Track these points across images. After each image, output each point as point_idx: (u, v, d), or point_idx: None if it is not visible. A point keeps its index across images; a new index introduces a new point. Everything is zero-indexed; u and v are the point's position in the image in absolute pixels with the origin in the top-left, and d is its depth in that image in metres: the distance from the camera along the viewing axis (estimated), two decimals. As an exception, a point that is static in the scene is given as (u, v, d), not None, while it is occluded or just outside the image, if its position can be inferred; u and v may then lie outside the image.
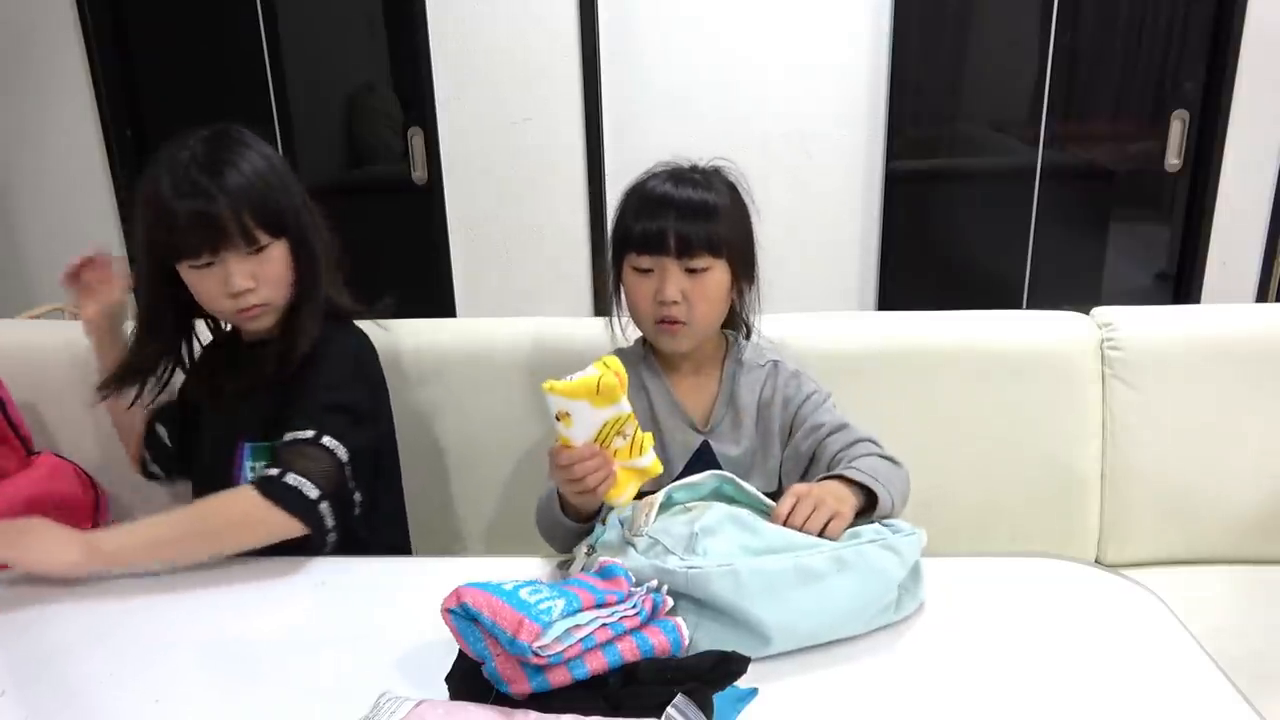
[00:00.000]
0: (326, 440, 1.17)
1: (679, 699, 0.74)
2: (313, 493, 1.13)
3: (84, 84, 2.88)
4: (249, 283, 1.18)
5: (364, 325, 1.36)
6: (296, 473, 1.13)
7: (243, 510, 1.11)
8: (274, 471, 1.13)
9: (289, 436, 1.17)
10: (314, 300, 1.25)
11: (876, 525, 1.00)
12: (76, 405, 1.25)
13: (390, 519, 1.40)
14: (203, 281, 1.20)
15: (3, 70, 2.89)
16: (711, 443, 1.28)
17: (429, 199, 2.91)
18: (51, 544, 1.07)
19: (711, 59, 2.72)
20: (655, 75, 2.73)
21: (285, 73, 2.94)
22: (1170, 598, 0.99)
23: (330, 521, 1.15)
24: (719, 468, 1.22)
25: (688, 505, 1.01)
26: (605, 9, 2.69)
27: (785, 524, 0.99)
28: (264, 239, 1.19)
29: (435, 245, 2.92)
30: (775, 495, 1.06)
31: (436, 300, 2.94)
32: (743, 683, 0.81)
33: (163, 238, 1.17)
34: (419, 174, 2.94)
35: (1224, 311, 1.70)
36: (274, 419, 1.21)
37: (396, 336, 1.57)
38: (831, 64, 2.71)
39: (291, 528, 1.11)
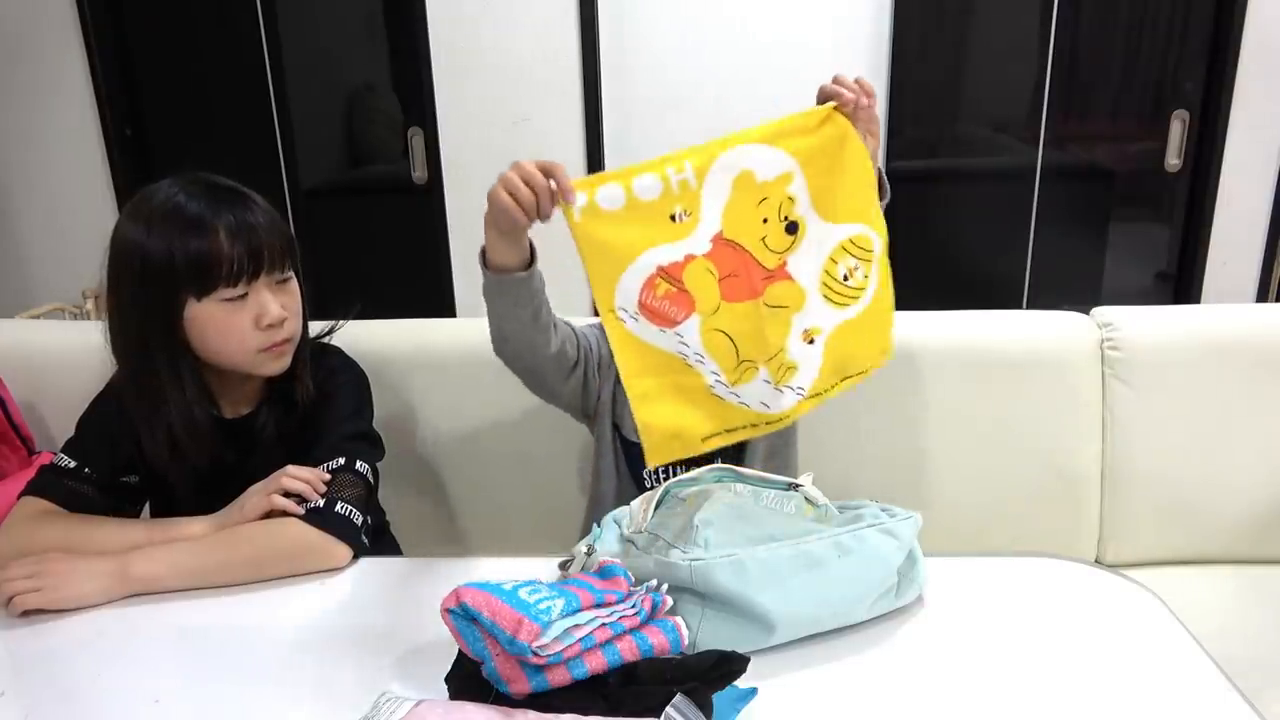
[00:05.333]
0: (359, 465, 1.17)
1: (678, 699, 0.74)
2: (358, 519, 1.12)
3: (84, 84, 2.88)
4: (283, 311, 1.14)
5: (354, 326, 1.37)
6: (344, 501, 1.12)
7: (293, 540, 1.08)
8: (320, 503, 1.11)
9: (323, 468, 1.15)
10: (306, 352, 1.23)
11: (875, 509, 1.00)
12: (77, 405, 1.24)
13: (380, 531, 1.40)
14: (229, 316, 1.12)
15: (3, 70, 2.89)
16: None
17: (429, 199, 2.91)
18: (77, 578, 1.03)
19: (711, 59, 2.72)
20: (655, 75, 2.73)
21: (285, 73, 2.94)
22: (1170, 598, 0.98)
23: (368, 544, 1.14)
24: None
25: (683, 497, 1.00)
26: (605, 9, 2.69)
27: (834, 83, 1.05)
28: (289, 266, 1.16)
29: (435, 245, 2.92)
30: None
31: (436, 300, 2.94)
32: (742, 682, 0.81)
33: (195, 270, 1.08)
34: (419, 174, 2.94)
35: (1224, 311, 1.70)
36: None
37: (396, 337, 1.57)
38: (831, 64, 2.69)
39: (344, 556, 1.10)
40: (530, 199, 1.02)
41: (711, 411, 1.09)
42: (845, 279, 1.09)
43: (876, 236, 1.09)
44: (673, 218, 1.01)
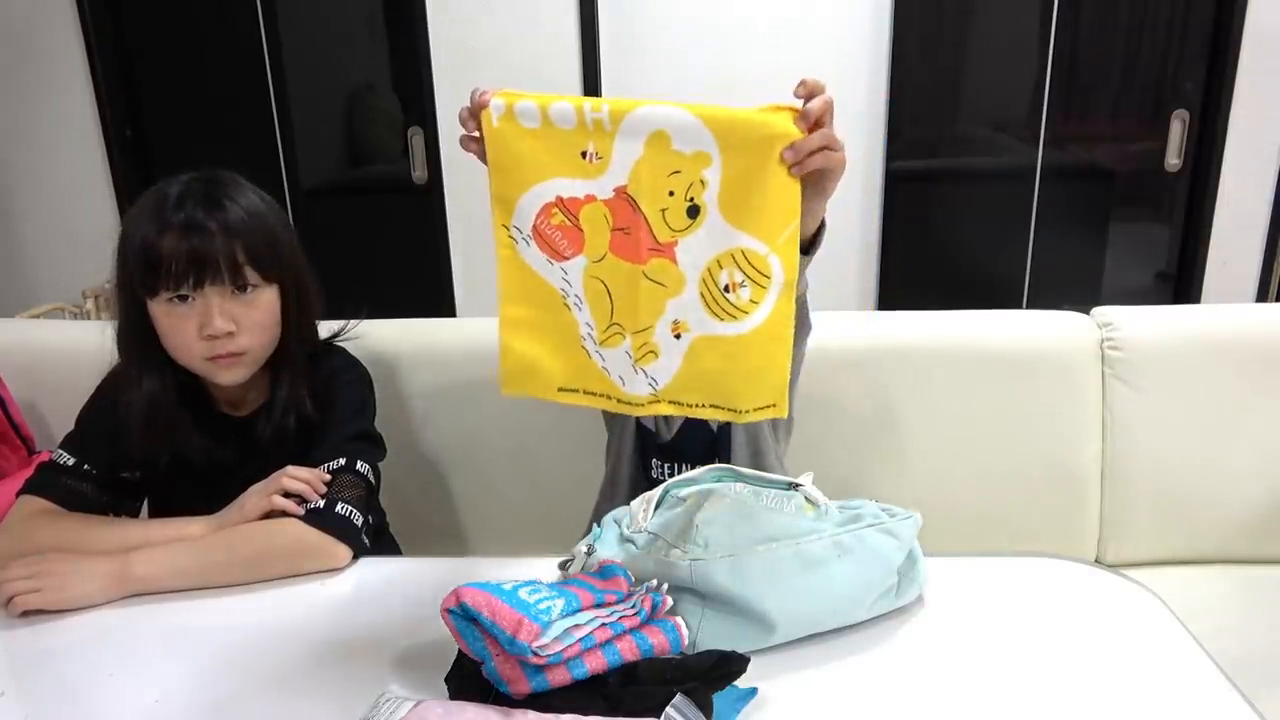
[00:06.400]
0: (359, 466, 1.16)
1: (678, 699, 0.74)
2: (358, 519, 1.12)
3: (84, 84, 2.89)
4: (228, 325, 1.11)
5: (357, 325, 1.37)
6: (344, 501, 1.11)
7: (293, 540, 1.08)
8: (320, 503, 1.11)
9: (322, 469, 1.15)
10: (297, 359, 1.21)
11: (875, 508, 1.00)
12: (77, 405, 1.24)
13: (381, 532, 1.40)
14: (176, 320, 1.11)
15: (3, 70, 2.89)
16: None
17: (429, 199, 2.92)
18: (77, 578, 1.03)
19: (711, 60, 2.72)
20: (655, 76, 2.73)
21: (285, 73, 2.94)
22: (1170, 598, 0.98)
23: (369, 545, 1.14)
24: (710, 430, 1.29)
25: (683, 497, 1.01)
26: (605, 8, 2.70)
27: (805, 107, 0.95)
28: (253, 279, 1.13)
29: (435, 245, 2.92)
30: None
31: (436, 300, 2.95)
32: (742, 682, 0.81)
33: (142, 264, 1.09)
34: (419, 174, 2.94)
35: (1224, 311, 1.70)
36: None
37: (397, 336, 1.58)
38: (831, 64, 2.71)
39: (344, 556, 1.09)
40: (469, 117, 1.02)
41: (575, 363, 1.06)
42: (725, 290, 1.02)
43: (780, 266, 1.00)
44: (584, 155, 0.99)
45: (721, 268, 1.02)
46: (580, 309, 1.04)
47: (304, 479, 1.11)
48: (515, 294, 1.03)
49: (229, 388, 1.21)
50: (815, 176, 0.98)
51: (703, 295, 1.03)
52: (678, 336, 1.05)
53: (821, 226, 1.09)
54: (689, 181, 1.00)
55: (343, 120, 3.06)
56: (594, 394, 1.07)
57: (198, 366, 1.16)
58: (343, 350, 1.32)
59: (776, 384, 1.05)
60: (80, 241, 2.98)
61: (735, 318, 1.03)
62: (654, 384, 1.06)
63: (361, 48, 3.01)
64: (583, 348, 1.06)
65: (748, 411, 1.06)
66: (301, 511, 1.09)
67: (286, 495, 1.10)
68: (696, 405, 1.07)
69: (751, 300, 1.02)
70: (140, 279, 1.11)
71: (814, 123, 0.96)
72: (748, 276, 1.02)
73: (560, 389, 1.06)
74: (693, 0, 2.70)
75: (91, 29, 2.84)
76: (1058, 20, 2.73)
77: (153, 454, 1.19)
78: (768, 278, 1.02)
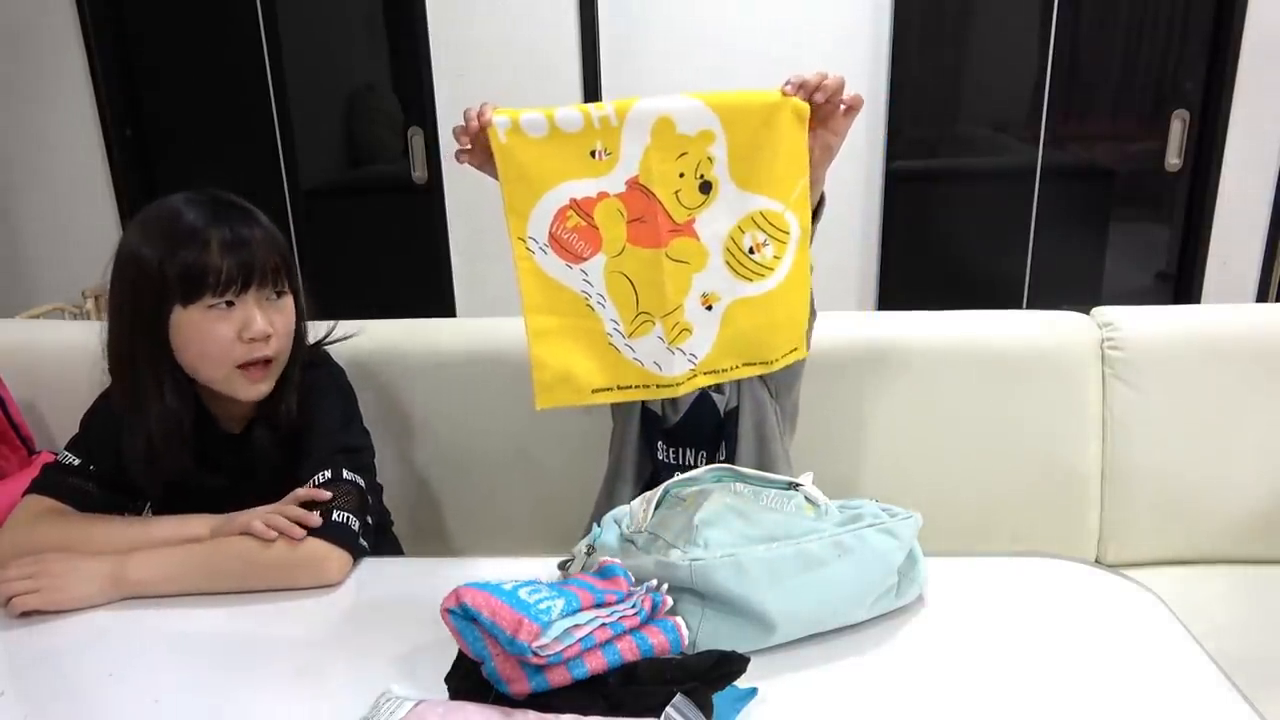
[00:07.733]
0: (346, 474, 1.15)
1: (678, 699, 0.74)
2: (355, 525, 1.11)
3: (84, 84, 2.89)
4: (268, 327, 1.13)
5: (352, 326, 1.37)
6: (339, 509, 1.11)
7: (286, 551, 1.06)
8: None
9: (312, 482, 1.14)
10: (297, 368, 1.22)
11: (875, 508, 1.00)
12: (77, 405, 1.24)
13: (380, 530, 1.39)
14: (213, 323, 1.11)
15: (3, 70, 2.89)
16: (713, 394, 1.30)
17: (429, 199, 2.91)
18: (75, 579, 1.04)
19: (711, 61, 2.72)
20: (655, 75, 2.73)
21: (285, 73, 2.94)
22: (1170, 598, 0.98)
23: (368, 548, 1.13)
24: (717, 414, 1.30)
25: (683, 497, 1.01)
26: (605, 9, 2.70)
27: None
28: (284, 285, 1.16)
29: (435, 245, 2.92)
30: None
31: (436, 300, 2.95)
32: (742, 682, 0.81)
33: (185, 278, 1.09)
34: (419, 174, 2.94)
35: (1224, 311, 1.70)
36: (286, 482, 1.16)
37: (397, 336, 1.58)
38: (831, 65, 2.70)
39: (340, 564, 1.08)
40: (463, 133, 1.05)
41: (606, 363, 1.11)
42: (750, 251, 1.09)
43: (795, 221, 1.09)
44: (593, 154, 1.04)
45: (743, 232, 1.09)
46: (604, 307, 1.09)
47: (298, 517, 1.08)
48: (539, 304, 1.08)
49: (230, 405, 1.21)
50: (839, 114, 1.11)
51: (728, 263, 1.10)
52: (709, 308, 1.11)
53: (821, 201, 1.16)
54: (697, 160, 1.07)
55: (343, 120, 3.06)
56: (629, 387, 1.12)
57: (223, 376, 1.15)
58: (326, 357, 1.31)
59: (798, 326, 1.15)
60: (80, 241, 2.98)
61: (763, 276, 1.11)
62: (693, 359, 1.12)
63: (361, 48, 3.01)
64: (611, 346, 1.10)
65: (776, 360, 1.14)
66: (274, 537, 1.07)
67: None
68: (731, 369, 1.14)
69: (775, 256, 1.10)
70: (181, 293, 1.10)
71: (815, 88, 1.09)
72: (769, 236, 1.09)
73: (595, 390, 1.11)
74: (693, 1, 2.70)
75: (91, 29, 2.84)
76: (1058, 20, 2.72)
77: (156, 483, 1.19)
78: (786, 233, 1.09)
